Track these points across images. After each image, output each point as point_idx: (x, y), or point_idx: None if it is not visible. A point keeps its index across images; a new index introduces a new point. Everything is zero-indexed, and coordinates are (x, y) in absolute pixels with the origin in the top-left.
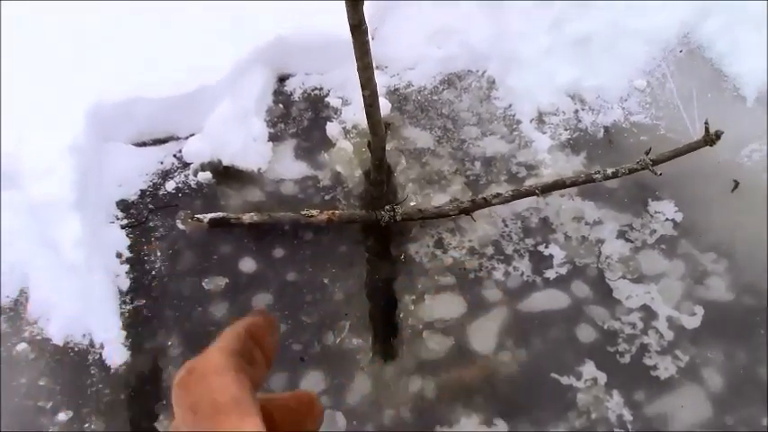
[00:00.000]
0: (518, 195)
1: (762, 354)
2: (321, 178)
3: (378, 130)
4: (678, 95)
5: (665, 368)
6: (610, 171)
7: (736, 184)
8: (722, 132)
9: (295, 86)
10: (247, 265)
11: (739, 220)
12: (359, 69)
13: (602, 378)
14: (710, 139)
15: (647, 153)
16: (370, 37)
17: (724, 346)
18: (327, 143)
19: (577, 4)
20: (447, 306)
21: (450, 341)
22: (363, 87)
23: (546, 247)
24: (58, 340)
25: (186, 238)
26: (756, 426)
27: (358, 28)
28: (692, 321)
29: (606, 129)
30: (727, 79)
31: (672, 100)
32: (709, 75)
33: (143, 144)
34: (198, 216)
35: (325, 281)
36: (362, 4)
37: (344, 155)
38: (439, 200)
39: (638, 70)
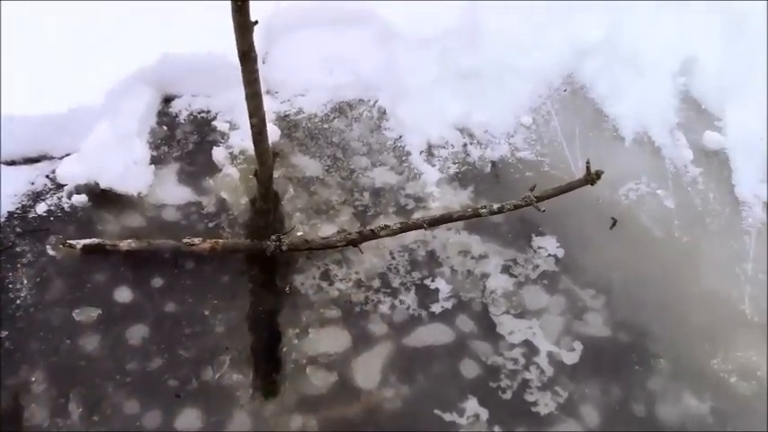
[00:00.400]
0: (406, 228)
1: (636, 390)
2: (205, 204)
3: (265, 158)
4: (562, 133)
5: (545, 404)
6: (496, 206)
7: (615, 221)
8: (602, 172)
9: (181, 108)
10: (123, 294)
11: (617, 257)
12: (247, 97)
13: (485, 414)
14: (591, 178)
15: (531, 190)
16: (260, 62)
17: (601, 383)
18: (213, 168)
19: (464, 40)
20: (332, 340)
21: (334, 377)
22: (251, 116)
23: (432, 280)
24: None
25: (57, 264)
26: None
27: (247, 55)
28: (571, 357)
29: (493, 163)
30: (608, 119)
31: (556, 137)
32: (590, 114)
33: (12, 163)
34: (70, 242)
35: (206, 313)
36: (252, 31)
37: (230, 181)
38: (326, 230)
39: (524, 107)
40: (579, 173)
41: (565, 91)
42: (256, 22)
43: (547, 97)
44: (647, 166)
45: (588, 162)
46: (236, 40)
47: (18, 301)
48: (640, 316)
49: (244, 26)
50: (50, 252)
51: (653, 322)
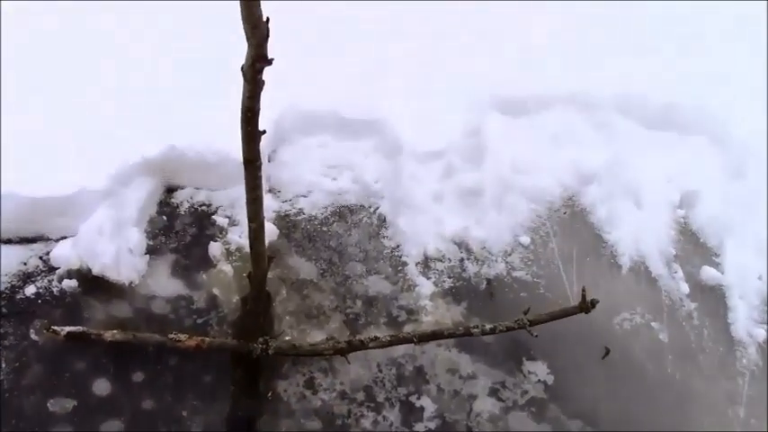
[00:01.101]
0: (396, 341)
1: None
2: (196, 299)
3: (260, 261)
4: (559, 255)
5: None
6: (488, 327)
7: (607, 351)
8: (597, 301)
9: (183, 199)
10: (101, 387)
11: (607, 389)
12: (248, 202)
13: None
14: (586, 306)
15: (525, 312)
16: (266, 160)
17: None
18: (208, 263)
19: (468, 155)
20: None
21: None
22: (250, 219)
23: (418, 398)
24: None
25: (38, 349)
26: None
27: (252, 163)
28: None
29: (489, 281)
30: (606, 245)
31: (553, 259)
32: (589, 238)
33: (8, 241)
34: (54, 328)
35: (184, 413)
36: (259, 141)
37: (224, 278)
38: (315, 336)
39: (523, 226)
40: (575, 297)
41: (565, 213)
42: (264, 132)
43: (547, 218)
44: (642, 297)
45: (584, 290)
46: (243, 148)
47: None
48: None
49: (251, 136)
50: (33, 336)
51: None
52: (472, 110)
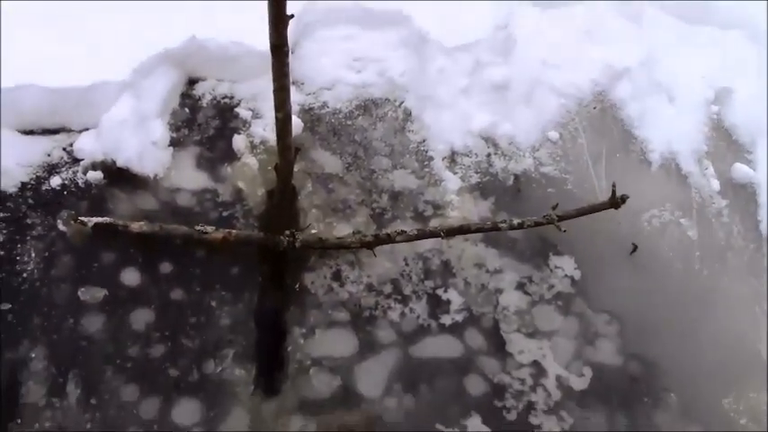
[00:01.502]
0: (422, 235)
1: (643, 423)
2: (221, 193)
3: (287, 153)
4: (588, 152)
5: (550, 428)
6: (516, 222)
7: (635, 247)
8: (627, 197)
9: (205, 91)
10: (130, 277)
11: (634, 285)
12: (275, 90)
13: None
14: (616, 202)
15: (553, 208)
16: (290, 52)
17: (608, 412)
18: (232, 156)
19: (497, 51)
20: (338, 343)
21: (337, 381)
22: (277, 109)
23: (445, 291)
24: None
25: (66, 240)
26: None
27: (279, 48)
28: (579, 383)
29: (516, 176)
30: (636, 142)
31: (582, 155)
32: (619, 135)
33: (30, 132)
34: (82, 218)
35: (213, 304)
36: (286, 25)
37: (248, 171)
38: (342, 230)
39: (552, 122)
40: (603, 194)
41: (595, 108)
42: (292, 16)
43: (576, 114)
44: (672, 194)
45: (614, 185)
46: (270, 33)
47: (24, 275)
48: (653, 347)
49: (279, 19)
50: (61, 227)
51: (666, 355)
52: (502, 1)
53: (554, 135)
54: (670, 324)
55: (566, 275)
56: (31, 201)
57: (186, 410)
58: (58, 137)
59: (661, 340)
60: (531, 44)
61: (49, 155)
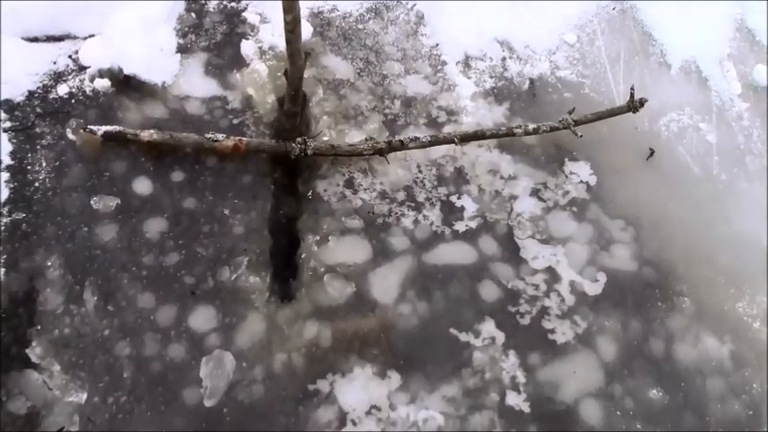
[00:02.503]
0: (436, 142)
1: (656, 327)
2: (231, 100)
3: (296, 59)
4: (606, 54)
5: (563, 333)
6: (531, 127)
7: (652, 152)
8: (646, 100)
9: None
10: (142, 186)
11: (651, 190)
12: None
13: (501, 338)
14: (635, 105)
15: (570, 112)
16: None
17: (621, 317)
18: (241, 62)
19: None
20: (351, 250)
21: (351, 287)
22: (286, 12)
23: (458, 198)
24: None
25: (76, 150)
26: (642, 398)
27: None
28: (593, 288)
29: (532, 81)
30: (655, 44)
31: (599, 58)
32: (638, 37)
33: (35, 39)
34: (91, 127)
35: (226, 212)
36: None
37: (258, 78)
38: (354, 137)
39: (569, 24)
40: (620, 98)
41: (614, 9)
42: None
43: (594, 15)
44: (691, 97)
45: (632, 88)
46: None
47: (36, 184)
48: (668, 253)
49: None
50: (70, 136)
51: (680, 260)
52: None
53: (571, 37)
54: (686, 229)
55: (581, 181)
56: (39, 109)
57: (202, 317)
58: (62, 44)
59: (676, 245)
60: None
61: (54, 62)
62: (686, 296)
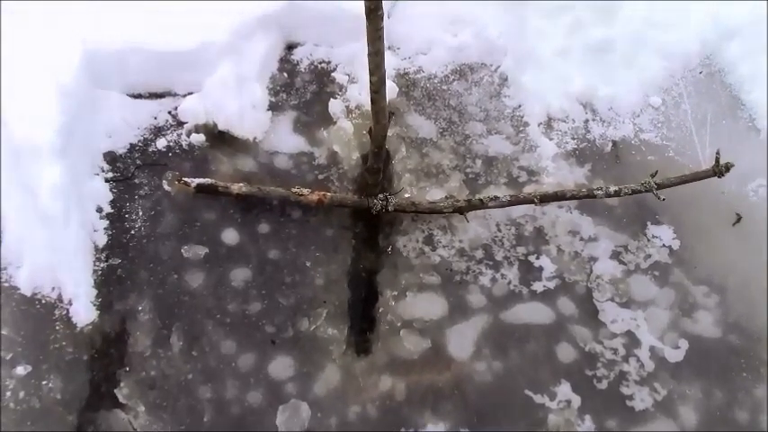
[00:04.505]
0: (516, 201)
1: (741, 396)
2: (317, 156)
3: (381, 117)
4: (692, 118)
5: (642, 399)
6: (612, 189)
7: (739, 217)
8: (732, 165)
9: (302, 56)
10: (230, 236)
11: (737, 255)
12: (369, 54)
13: (577, 401)
14: (720, 170)
15: (652, 176)
16: (386, 16)
17: (703, 385)
18: (328, 120)
19: (599, 9)
20: (428, 306)
21: (427, 343)
22: (371, 73)
23: (537, 258)
24: (25, 290)
25: (171, 200)
26: None
27: (374, 12)
28: (675, 354)
29: (614, 143)
30: (744, 108)
31: (685, 122)
32: (726, 101)
33: (138, 96)
34: (186, 179)
35: (308, 263)
36: None
37: (344, 135)
38: (434, 194)
39: (654, 86)
40: (706, 162)
41: (701, 73)
42: None
43: (680, 78)
44: None
45: (718, 152)
46: None
47: (132, 232)
48: (754, 321)
49: None
50: (166, 187)
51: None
52: None
53: (656, 100)
54: None
55: (663, 245)
56: (138, 161)
57: (281, 365)
58: (163, 101)
59: (763, 313)
60: (635, 3)
61: (155, 118)
62: None
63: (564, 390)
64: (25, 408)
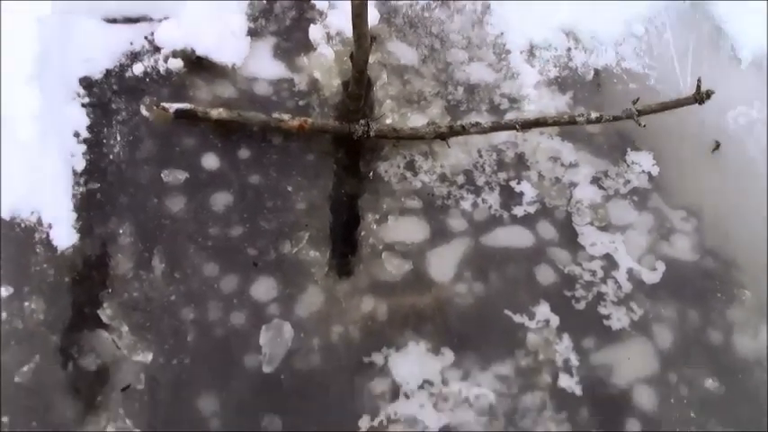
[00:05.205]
0: (497, 127)
1: (715, 318)
2: (297, 82)
3: (362, 42)
4: (674, 47)
5: (618, 319)
6: (594, 115)
7: (717, 144)
8: (713, 92)
9: None
10: (210, 161)
11: (714, 182)
12: None
13: (555, 321)
14: (701, 97)
15: (634, 102)
16: None
17: (679, 306)
18: (308, 47)
19: None
20: (410, 230)
21: (408, 265)
22: None
23: (518, 183)
24: (4, 215)
25: (149, 125)
26: (697, 387)
27: None
28: (651, 276)
29: (596, 71)
30: (726, 38)
31: (667, 51)
32: (708, 31)
33: (113, 21)
34: (164, 104)
35: (289, 188)
36: None
37: (324, 61)
38: (416, 121)
39: (638, 15)
40: (687, 91)
41: (684, 1)
42: None
43: (664, 7)
44: (762, 92)
45: (699, 80)
46: None
47: (110, 157)
48: (729, 245)
49: None
50: (144, 112)
51: (742, 253)
52: None
53: (639, 29)
54: (749, 223)
55: (643, 171)
56: (115, 87)
57: (264, 287)
58: (139, 25)
59: (738, 239)
60: None
61: (131, 43)
62: (747, 288)
63: (543, 310)
64: (8, 328)
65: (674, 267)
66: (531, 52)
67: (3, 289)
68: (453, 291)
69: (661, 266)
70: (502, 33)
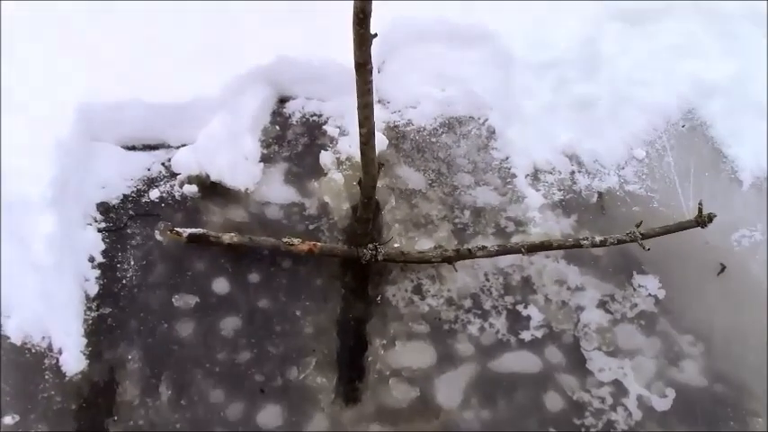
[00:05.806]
0: (503, 251)
1: None
2: (308, 206)
3: (370, 168)
4: (675, 170)
5: None
6: (598, 239)
7: (723, 267)
8: (715, 215)
9: (294, 110)
10: (220, 285)
11: (721, 305)
12: (359, 107)
13: None
14: (703, 220)
15: (637, 226)
16: (375, 71)
17: None
18: (319, 172)
19: (582, 67)
20: (417, 355)
21: (415, 392)
22: (361, 125)
23: (525, 307)
24: (15, 339)
25: (162, 249)
26: None
27: (363, 67)
28: (662, 403)
29: (600, 194)
30: (726, 161)
31: (669, 174)
32: (708, 153)
33: (132, 148)
34: (177, 229)
35: (297, 313)
36: (370, 44)
37: (334, 186)
38: (423, 244)
39: (638, 139)
40: (690, 213)
41: (683, 126)
42: (375, 35)
43: (663, 131)
44: (763, 214)
45: (701, 203)
46: (354, 51)
47: (123, 281)
48: (740, 370)
49: (363, 39)
50: (158, 237)
51: (753, 378)
52: (587, 18)
53: (640, 153)
54: (758, 347)
55: (649, 294)
56: (131, 212)
57: (270, 414)
58: (157, 152)
59: (749, 363)
60: (618, 60)
61: (148, 169)
62: (760, 416)
63: None
64: None
65: (684, 393)
66: (535, 176)
67: (9, 417)
68: (461, 417)
69: (671, 393)
70: (507, 158)
